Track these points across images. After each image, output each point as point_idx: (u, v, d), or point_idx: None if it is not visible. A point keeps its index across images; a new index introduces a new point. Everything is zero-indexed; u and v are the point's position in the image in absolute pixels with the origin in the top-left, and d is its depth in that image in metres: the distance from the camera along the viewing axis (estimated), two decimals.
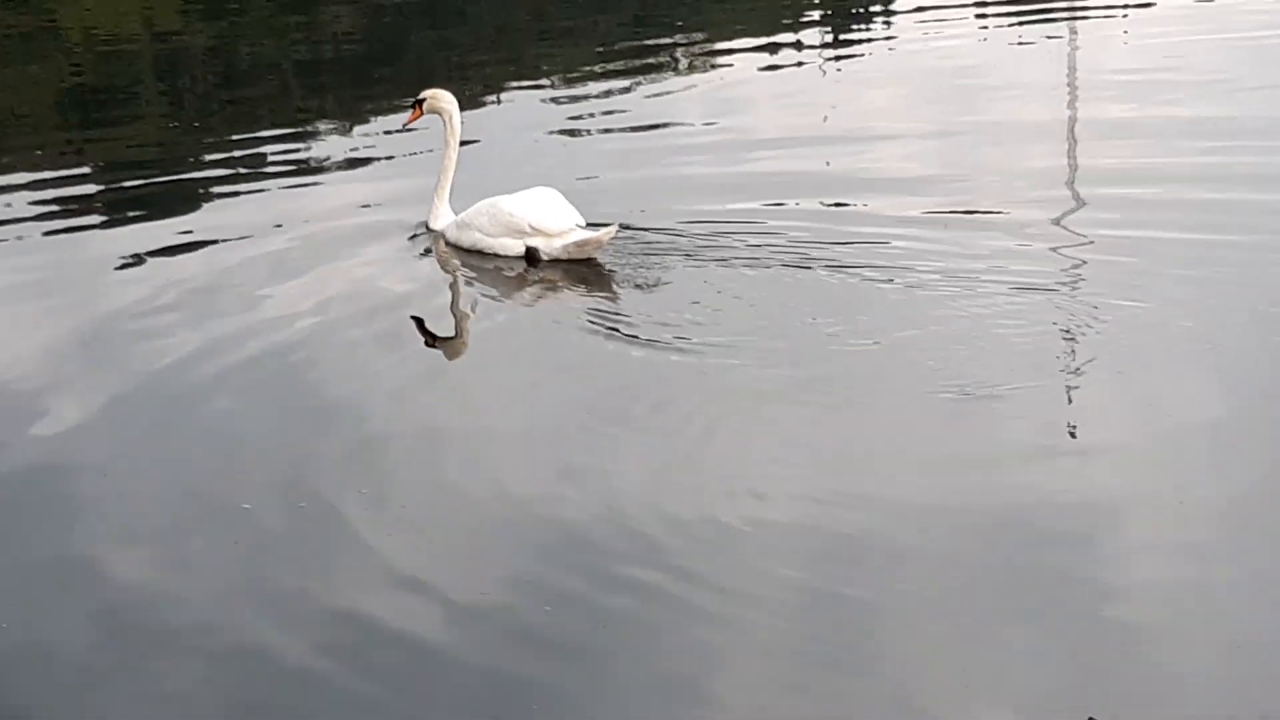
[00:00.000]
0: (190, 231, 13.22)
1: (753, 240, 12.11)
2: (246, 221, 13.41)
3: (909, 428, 8.82)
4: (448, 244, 12.58)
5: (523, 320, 11.16)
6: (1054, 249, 11.66)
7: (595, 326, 10.56)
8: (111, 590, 7.38)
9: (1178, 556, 7.42)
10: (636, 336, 10.27)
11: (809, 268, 11.35)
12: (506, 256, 12.19)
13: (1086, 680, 6.46)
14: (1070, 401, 9.07)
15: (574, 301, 11.24)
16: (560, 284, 11.65)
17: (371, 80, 20.97)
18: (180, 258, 12.44)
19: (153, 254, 12.56)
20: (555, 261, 12.06)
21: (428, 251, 12.57)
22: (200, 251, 12.64)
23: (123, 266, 12.25)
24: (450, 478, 8.45)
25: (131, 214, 14.01)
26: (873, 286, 10.95)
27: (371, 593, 7.24)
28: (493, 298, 11.61)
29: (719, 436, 8.81)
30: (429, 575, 7.38)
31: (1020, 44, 22.32)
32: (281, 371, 9.96)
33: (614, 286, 11.43)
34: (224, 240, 12.92)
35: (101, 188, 15.21)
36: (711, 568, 7.36)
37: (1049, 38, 22.40)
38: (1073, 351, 9.73)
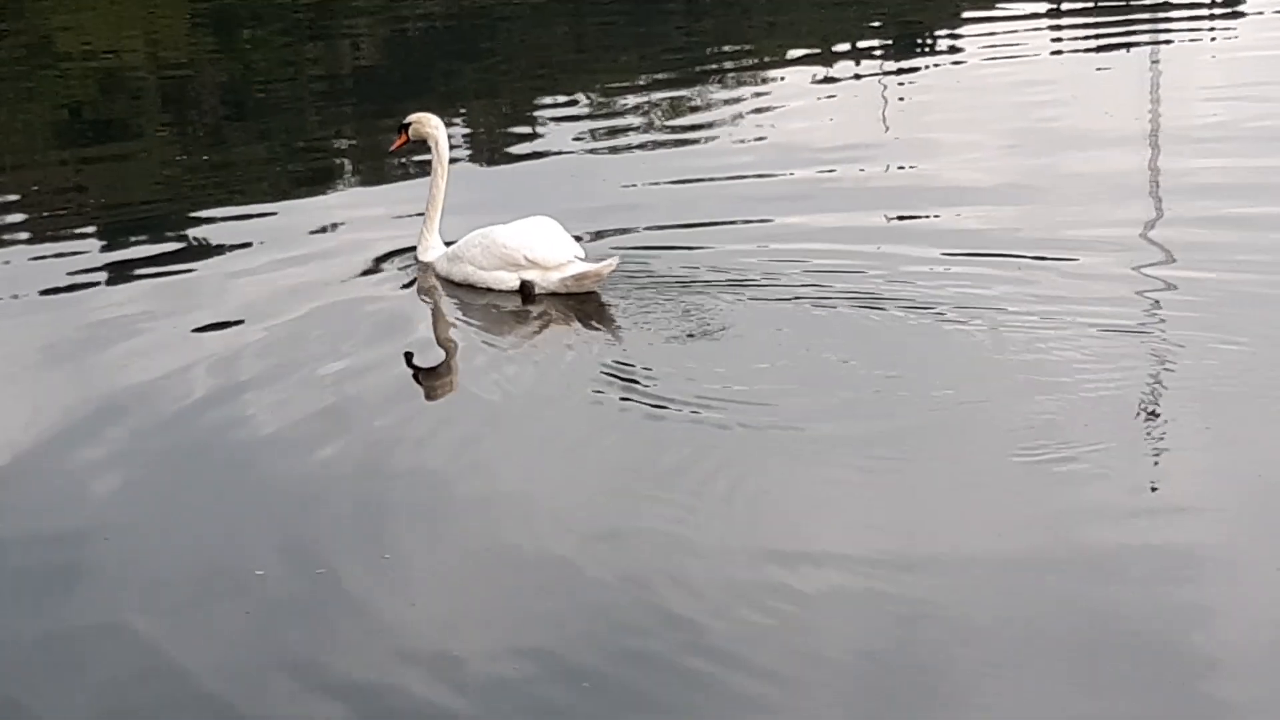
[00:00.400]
0: (193, 270, 12.91)
1: (794, 272, 11.79)
2: (253, 258, 13.09)
3: (978, 486, 8.54)
4: (438, 277, 12.24)
5: (530, 367, 10.67)
6: (1137, 288, 11.37)
7: (611, 376, 10.17)
8: (121, 662, 7.16)
9: (1273, 626, 7.11)
10: (664, 393, 9.81)
11: (866, 306, 11.04)
12: (500, 291, 11.80)
13: None
14: (1155, 457, 8.75)
15: (584, 346, 10.88)
16: (565, 323, 11.28)
17: (394, 105, 20.22)
18: (186, 302, 12.02)
19: (151, 296, 12.20)
20: (553, 295, 11.74)
21: (411, 283, 12.28)
22: (207, 291, 12.29)
23: (121, 312, 11.84)
24: (471, 542, 8.24)
25: (133, 251, 13.56)
26: (935, 326, 10.67)
27: (393, 666, 7.02)
28: (491, 339, 11.25)
29: (764, 497, 8.52)
30: (453, 648, 7.15)
31: (1100, 70, 21.78)
32: (283, 425, 9.64)
33: (626, 327, 11.07)
34: (235, 277, 12.58)
35: (102, 222, 14.78)
36: (763, 645, 7.05)
37: (1127, 55, 22.15)
38: (1157, 399, 9.43)
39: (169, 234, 14.09)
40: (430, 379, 10.54)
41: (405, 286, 12.16)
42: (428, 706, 6.69)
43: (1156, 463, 8.62)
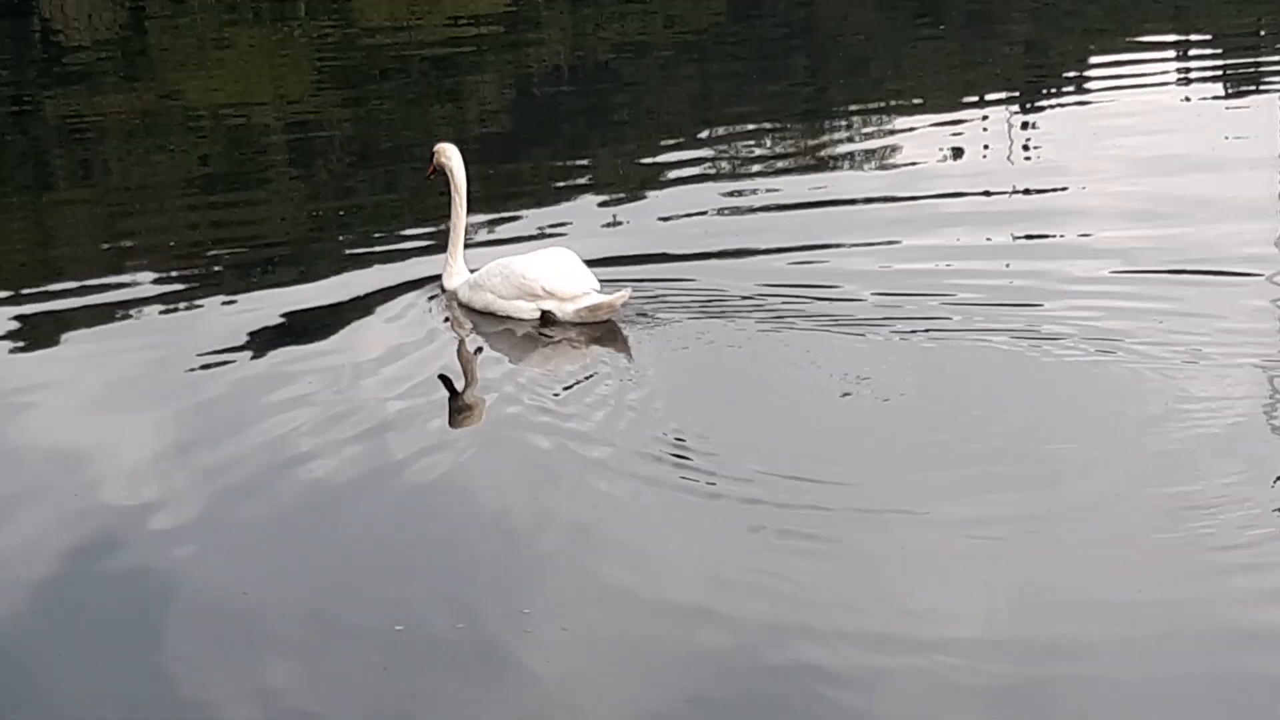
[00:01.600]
0: (309, 312, 13.00)
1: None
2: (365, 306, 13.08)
3: (1106, 551, 8.20)
4: (460, 304, 12.63)
5: (606, 409, 10.48)
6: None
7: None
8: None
9: None
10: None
11: (978, 338, 11.06)
12: (519, 319, 12.14)
13: None
14: None
15: (660, 390, 10.73)
16: (631, 366, 11.35)
17: (518, 156, 20.30)
18: (307, 348, 12.11)
19: (271, 341, 12.28)
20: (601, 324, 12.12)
21: (432, 311, 12.71)
22: (325, 339, 12.34)
23: (237, 351, 11.97)
24: (606, 590, 8.11)
25: (257, 298, 13.59)
26: (1050, 357, 10.63)
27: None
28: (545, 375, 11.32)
29: (876, 554, 8.33)
30: (601, 710, 7.06)
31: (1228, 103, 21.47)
32: (387, 469, 9.66)
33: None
34: (350, 320, 12.67)
35: (230, 271, 14.88)
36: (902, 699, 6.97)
37: (1256, 89, 21.97)
38: None
39: (291, 275, 14.32)
40: (456, 409, 10.73)
41: (431, 314, 12.58)
42: None
43: None
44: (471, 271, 12.75)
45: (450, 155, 13.18)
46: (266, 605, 8.08)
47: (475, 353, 12.01)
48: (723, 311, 12.05)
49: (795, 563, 8.14)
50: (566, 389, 10.76)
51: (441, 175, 13.29)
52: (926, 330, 11.26)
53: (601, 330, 11.96)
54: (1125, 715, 6.78)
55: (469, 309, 12.55)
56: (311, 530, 8.96)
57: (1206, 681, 6.96)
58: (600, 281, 12.28)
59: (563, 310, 12.11)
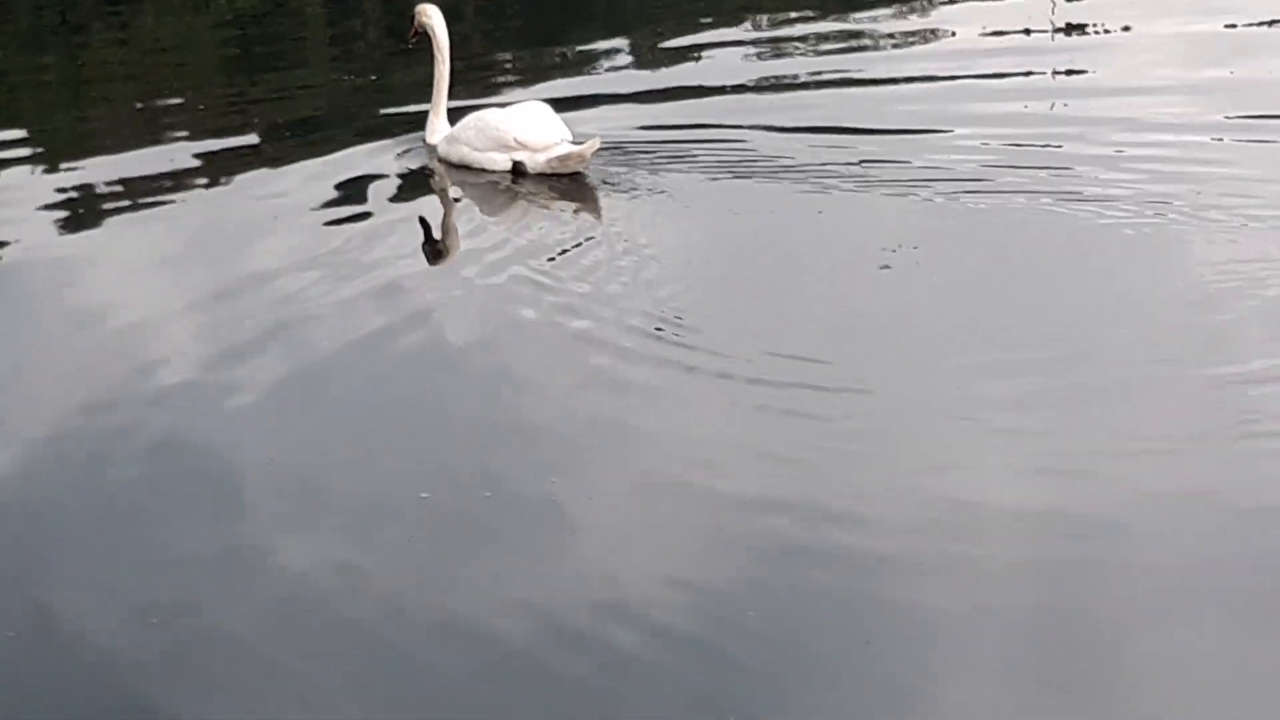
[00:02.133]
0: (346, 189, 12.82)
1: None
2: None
3: (1146, 429, 7.94)
4: (439, 159, 12.99)
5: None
6: None
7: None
8: (286, 584, 7.00)
9: None
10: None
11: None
12: (493, 171, 12.51)
13: None
14: None
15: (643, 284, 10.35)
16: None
17: (556, 27, 20.09)
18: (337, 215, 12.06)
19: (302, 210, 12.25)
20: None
21: (424, 168, 12.96)
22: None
23: (267, 224, 12.00)
24: (639, 465, 7.95)
25: (288, 168, 13.50)
26: (1100, 222, 10.51)
27: (565, 596, 6.79)
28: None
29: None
30: (630, 580, 6.91)
31: None
32: (412, 339, 9.54)
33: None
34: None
35: (264, 141, 14.84)
36: (935, 583, 6.80)
37: None
38: None
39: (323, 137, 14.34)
40: (431, 247, 11.10)
41: (412, 167, 12.87)
42: (607, 639, 6.48)
43: None
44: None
45: (431, 15, 13.29)
46: (283, 475, 7.97)
47: (455, 203, 12.30)
48: (753, 173, 12.03)
49: (814, 442, 7.96)
50: (563, 253, 10.69)
51: (426, 37, 13.35)
52: (971, 193, 11.17)
53: (574, 185, 12.07)
54: (1163, 599, 6.61)
55: (448, 163, 12.78)
56: (325, 397, 8.87)
57: (1246, 563, 6.77)
58: (624, 143, 12.39)
59: (534, 161, 12.33)
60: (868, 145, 12.62)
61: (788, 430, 8.12)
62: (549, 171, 12.30)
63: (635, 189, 11.84)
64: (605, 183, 12.05)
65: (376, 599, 6.82)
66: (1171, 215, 10.53)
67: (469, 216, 12.14)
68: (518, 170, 12.38)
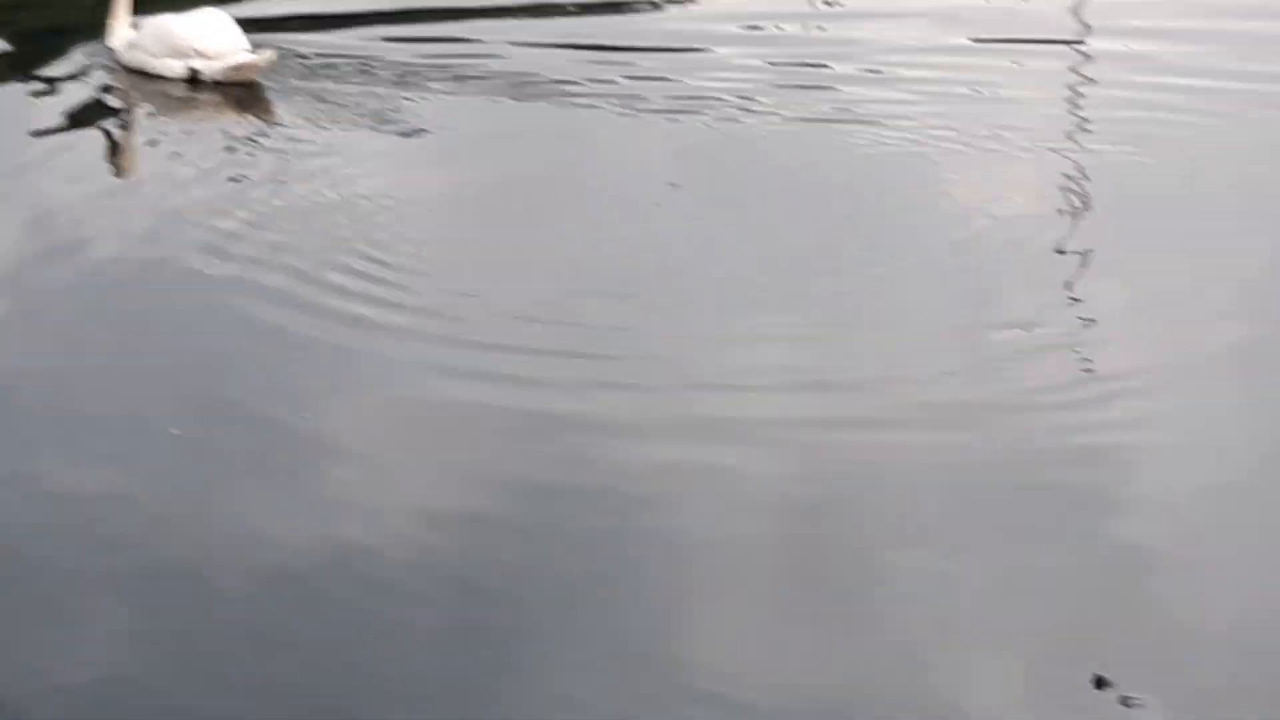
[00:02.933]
0: None
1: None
2: None
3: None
4: (121, 65, 12.70)
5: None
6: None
7: None
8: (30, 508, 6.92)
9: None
10: None
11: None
12: (170, 78, 12.38)
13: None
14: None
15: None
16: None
17: None
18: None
19: None
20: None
21: (108, 71, 12.71)
22: None
23: None
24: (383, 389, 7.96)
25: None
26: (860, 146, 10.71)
27: (327, 514, 6.84)
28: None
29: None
30: (387, 502, 6.95)
31: None
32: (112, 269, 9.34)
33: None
34: None
35: None
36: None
37: None
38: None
39: None
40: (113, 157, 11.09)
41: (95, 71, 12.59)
42: (356, 552, 6.51)
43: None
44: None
45: None
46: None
47: (135, 113, 12.07)
48: (503, 91, 11.89)
49: (565, 376, 7.95)
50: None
51: None
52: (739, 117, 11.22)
53: (251, 95, 11.99)
54: (916, 525, 6.81)
55: (128, 69, 12.60)
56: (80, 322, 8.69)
57: (1003, 495, 7.05)
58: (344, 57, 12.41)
59: (210, 68, 12.33)
60: (634, 63, 12.47)
61: (546, 361, 8.10)
62: (224, 80, 12.29)
63: (359, 109, 11.61)
64: (314, 98, 11.87)
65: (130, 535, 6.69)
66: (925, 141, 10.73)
67: (147, 128, 11.80)
68: (194, 78, 12.37)
